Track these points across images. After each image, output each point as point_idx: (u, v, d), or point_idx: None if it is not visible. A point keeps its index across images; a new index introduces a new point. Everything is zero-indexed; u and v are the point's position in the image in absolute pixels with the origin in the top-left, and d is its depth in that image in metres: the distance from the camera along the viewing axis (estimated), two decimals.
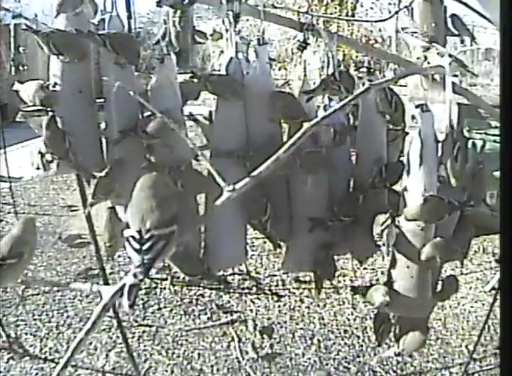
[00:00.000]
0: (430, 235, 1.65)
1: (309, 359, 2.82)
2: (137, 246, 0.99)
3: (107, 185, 1.68)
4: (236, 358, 2.83)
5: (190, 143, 1.11)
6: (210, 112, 1.92)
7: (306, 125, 1.09)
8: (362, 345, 2.91)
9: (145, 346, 2.92)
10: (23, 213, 4.86)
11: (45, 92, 1.66)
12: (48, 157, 1.68)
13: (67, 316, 3.20)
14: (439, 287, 1.79)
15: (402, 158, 1.87)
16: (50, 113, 1.68)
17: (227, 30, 1.79)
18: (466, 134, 3.71)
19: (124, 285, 0.99)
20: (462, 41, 3.34)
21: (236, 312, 3.26)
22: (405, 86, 4.47)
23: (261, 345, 2.93)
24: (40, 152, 1.69)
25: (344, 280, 3.59)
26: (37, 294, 3.43)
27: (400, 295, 1.68)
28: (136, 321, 3.15)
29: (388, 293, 1.66)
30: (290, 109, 1.79)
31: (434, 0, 3.22)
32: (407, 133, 1.76)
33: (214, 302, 3.34)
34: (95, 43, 1.64)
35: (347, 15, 9.13)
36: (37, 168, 1.71)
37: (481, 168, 1.71)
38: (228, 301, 3.38)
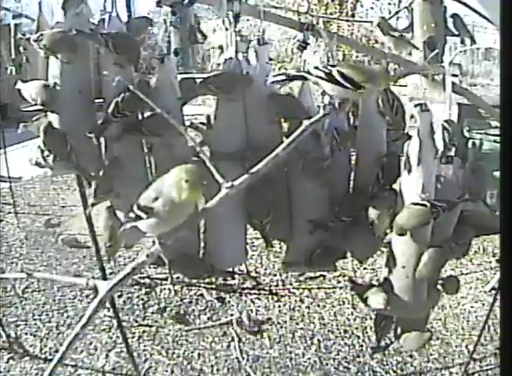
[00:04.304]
0: (426, 236, 1.65)
1: (309, 359, 2.82)
2: None
3: (107, 184, 1.69)
4: (236, 358, 2.83)
5: (190, 139, 1.10)
6: (209, 117, 1.91)
7: (305, 123, 1.09)
8: (362, 345, 2.91)
9: (145, 346, 2.92)
10: (23, 213, 4.86)
11: (45, 91, 1.66)
12: (47, 154, 1.68)
13: (67, 316, 3.20)
14: (439, 287, 1.79)
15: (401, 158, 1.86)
16: (49, 115, 1.68)
17: (227, 29, 1.79)
18: (466, 134, 3.72)
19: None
20: (462, 41, 3.35)
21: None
22: (405, 86, 4.47)
23: (261, 345, 2.93)
24: (40, 147, 1.69)
25: (344, 280, 3.59)
26: (38, 294, 3.43)
27: (395, 296, 1.68)
28: (136, 321, 3.15)
29: (387, 300, 1.66)
30: (289, 109, 1.79)
31: (434, 0, 3.22)
32: (410, 137, 1.75)
33: (212, 298, 3.35)
34: (98, 43, 1.64)
35: (347, 15, 9.12)
36: (36, 164, 1.71)
37: (479, 164, 1.71)
38: (229, 302, 3.38)
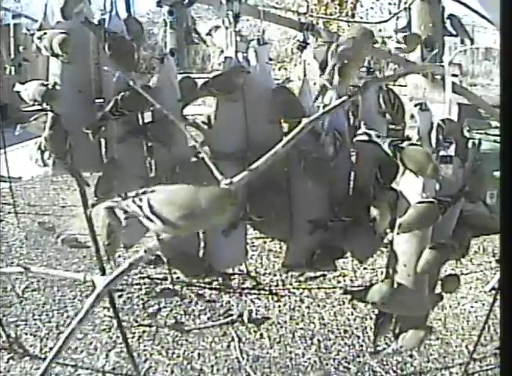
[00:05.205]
0: (428, 235, 1.65)
1: (309, 359, 2.82)
2: None
3: (107, 184, 1.69)
4: (236, 358, 2.83)
5: (189, 136, 1.10)
6: (209, 116, 1.91)
7: (305, 120, 1.09)
8: (362, 345, 2.91)
9: (145, 346, 2.92)
10: (23, 213, 4.86)
11: (45, 91, 1.66)
12: (47, 154, 1.68)
13: (67, 316, 3.19)
14: (439, 286, 1.80)
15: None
16: (52, 113, 1.68)
17: (227, 28, 1.79)
18: (466, 134, 3.72)
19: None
20: (462, 41, 3.34)
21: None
22: (405, 86, 4.47)
23: (261, 345, 2.93)
24: (40, 148, 1.69)
25: (344, 280, 3.59)
26: (38, 294, 3.43)
27: (398, 293, 1.69)
28: (136, 321, 3.15)
29: (389, 290, 1.67)
30: (289, 105, 1.79)
31: (432, 0, 3.22)
32: (410, 138, 1.74)
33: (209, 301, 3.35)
34: (99, 38, 1.63)
35: (347, 15, 9.12)
36: (36, 162, 1.72)
37: (479, 164, 1.72)
38: (229, 302, 3.38)
